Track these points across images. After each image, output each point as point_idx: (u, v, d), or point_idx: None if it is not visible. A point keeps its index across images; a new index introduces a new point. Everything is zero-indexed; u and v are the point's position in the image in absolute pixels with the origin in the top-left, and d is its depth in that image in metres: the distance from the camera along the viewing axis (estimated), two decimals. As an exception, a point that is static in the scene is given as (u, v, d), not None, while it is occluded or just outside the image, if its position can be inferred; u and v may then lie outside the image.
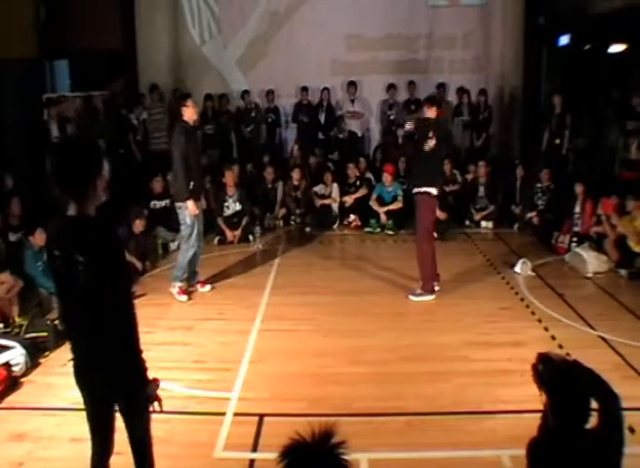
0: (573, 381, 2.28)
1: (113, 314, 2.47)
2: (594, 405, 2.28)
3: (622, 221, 6.99)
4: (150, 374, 2.60)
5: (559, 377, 2.29)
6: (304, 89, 10.86)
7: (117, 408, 2.65)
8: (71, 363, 2.62)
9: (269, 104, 11.00)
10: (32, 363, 4.82)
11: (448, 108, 10.97)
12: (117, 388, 2.56)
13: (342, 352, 5.01)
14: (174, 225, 8.35)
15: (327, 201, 9.36)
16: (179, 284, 6.39)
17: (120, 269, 2.52)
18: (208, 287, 6.65)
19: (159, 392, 2.61)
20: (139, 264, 7.07)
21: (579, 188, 7.85)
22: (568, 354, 4.72)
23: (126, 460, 2.72)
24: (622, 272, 6.85)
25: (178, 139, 6.14)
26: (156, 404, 2.61)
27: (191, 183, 6.14)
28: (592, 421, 2.27)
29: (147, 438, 2.71)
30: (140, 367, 2.55)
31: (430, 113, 6.08)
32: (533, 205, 8.83)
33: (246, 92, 10.97)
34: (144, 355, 2.54)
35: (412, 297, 6.20)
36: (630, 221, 6.94)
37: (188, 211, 6.13)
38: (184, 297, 6.35)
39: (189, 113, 6.21)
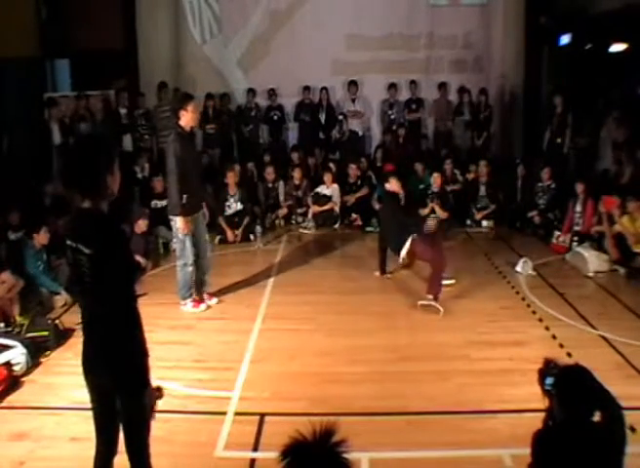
0: (579, 385, 2.35)
1: (117, 310, 2.47)
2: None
3: (623, 221, 6.98)
4: (152, 374, 2.59)
5: (566, 381, 2.36)
6: (306, 88, 10.86)
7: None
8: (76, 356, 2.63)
9: (272, 103, 10.99)
10: (33, 362, 4.82)
11: (449, 108, 11.01)
12: (117, 383, 2.54)
13: (343, 351, 5.00)
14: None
15: (326, 207, 9.30)
16: (189, 300, 6.01)
17: (125, 266, 2.51)
18: (214, 300, 6.18)
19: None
20: (143, 261, 7.06)
21: (579, 187, 7.84)
22: (569, 353, 4.74)
23: (125, 460, 2.71)
24: (621, 271, 6.84)
25: (172, 149, 5.55)
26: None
27: (184, 197, 5.60)
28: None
29: (144, 443, 2.65)
30: (141, 367, 2.53)
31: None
32: (534, 204, 8.82)
33: (251, 90, 10.97)
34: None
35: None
36: (631, 222, 6.93)
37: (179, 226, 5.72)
38: (203, 306, 6.02)
39: (187, 119, 5.59)
